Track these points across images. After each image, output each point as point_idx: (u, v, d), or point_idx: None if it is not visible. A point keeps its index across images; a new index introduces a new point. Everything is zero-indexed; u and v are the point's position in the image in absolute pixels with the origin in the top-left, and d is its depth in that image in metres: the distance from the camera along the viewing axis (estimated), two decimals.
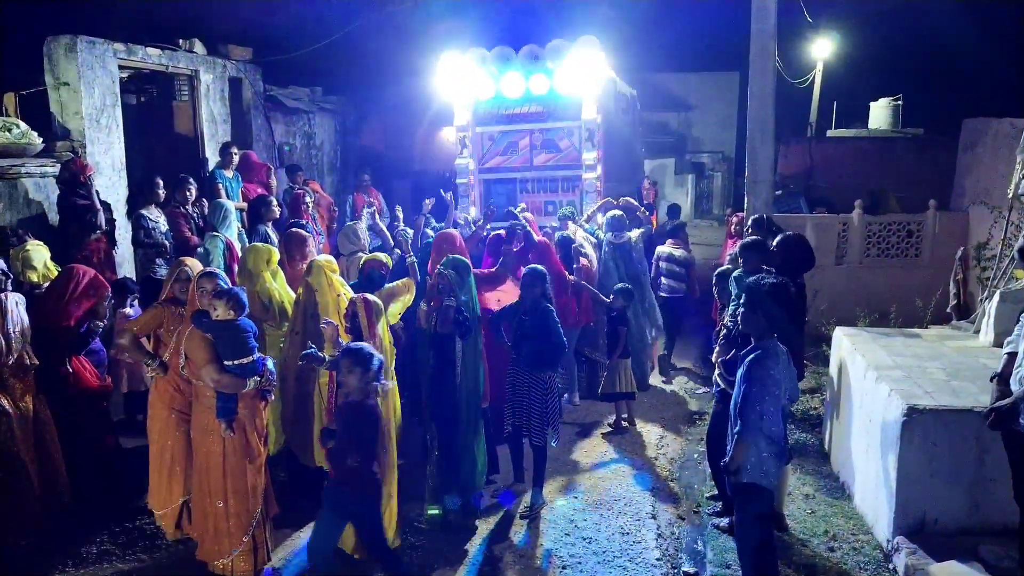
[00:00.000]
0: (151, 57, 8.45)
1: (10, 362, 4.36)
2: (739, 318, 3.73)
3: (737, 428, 3.53)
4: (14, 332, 4.37)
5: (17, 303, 4.50)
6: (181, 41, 9.06)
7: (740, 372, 3.65)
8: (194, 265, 4.78)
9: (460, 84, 8.90)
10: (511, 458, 5.32)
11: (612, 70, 9.38)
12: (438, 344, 4.82)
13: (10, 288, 4.53)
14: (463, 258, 5.09)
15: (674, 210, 10.22)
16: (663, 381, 7.91)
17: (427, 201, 7.46)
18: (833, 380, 5.85)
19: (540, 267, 5.16)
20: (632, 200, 7.77)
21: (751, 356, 3.58)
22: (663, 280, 7.88)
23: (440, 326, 4.74)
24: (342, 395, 3.82)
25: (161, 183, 7.07)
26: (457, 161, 9.27)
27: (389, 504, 4.42)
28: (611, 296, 6.49)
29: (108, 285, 5.15)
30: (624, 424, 6.48)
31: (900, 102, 17.11)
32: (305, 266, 5.12)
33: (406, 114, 12.87)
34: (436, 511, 4.84)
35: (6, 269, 4.52)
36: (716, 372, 4.60)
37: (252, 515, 4.15)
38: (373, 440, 3.75)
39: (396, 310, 5.16)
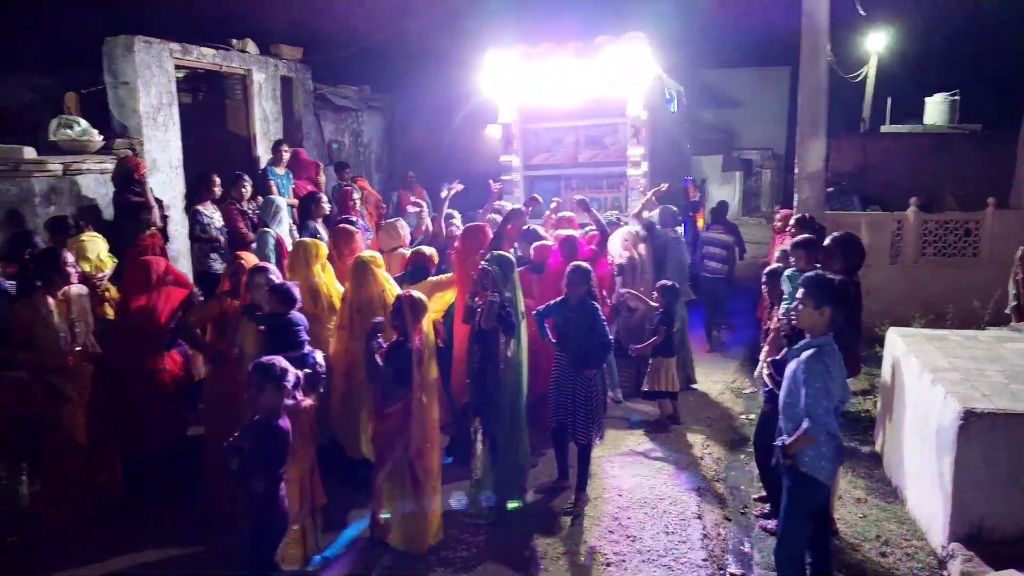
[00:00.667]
0: (206, 57, 8.67)
1: (75, 349, 4.54)
2: (796, 315, 3.66)
3: (806, 425, 3.47)
4: (77, 322, 4.54)
5: (80, 294, 4.67)
6: (235, 41, 9.27)
7: (791, 368, 3.59)
8: (250, 259, 4.90)
9: (506, 81, 8.92)
10: (555, 455, 5.33)
11: (659, 66, 9.29)
12: (482, 339, 4.84)
13: (75, 280, 4.71)
14: (507, 254, 5.11)
15: (722, 206, 10.15)
16: (708, 348, 8.51)
17: (456, 186, 7.35)
18: (886, 382, 5.71)
19: (585, 264, 5.15)
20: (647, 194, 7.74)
21: (809, 352, 3.52)
22: (707, 262, 8.71)
23: (484, 321, 4.75)
24: (253, 412, 3.56)
25: (218, 180, 7.25)
26: (502, 158, 9.28)
27: (433, 499, 4.47)
28: (654, 294, 6.45)
29: (191, 283, 5.31)
30: (668, 422, 6.43)
31: (957, 97, 16.60)
32: (355, 261, 5.20)
33: (452, 112, 12.97)
34: (480, 506, 4.87)
35: (73, 262, 4.70)
36: (765, 372, 4.53)
37: (302, 504, 4.23)
38: (280, 462, 3.52)
39: (438, 306, 5.19)
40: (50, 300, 4.53)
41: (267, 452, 3.44)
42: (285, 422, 3.50)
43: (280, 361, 3.52)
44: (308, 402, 3.67)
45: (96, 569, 4.30)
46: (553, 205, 7.43)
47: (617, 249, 6.91)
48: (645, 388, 6.43)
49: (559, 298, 5.11)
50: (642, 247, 7.11)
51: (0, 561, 4.40)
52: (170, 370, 5.04)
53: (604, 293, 6.35)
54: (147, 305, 4.88)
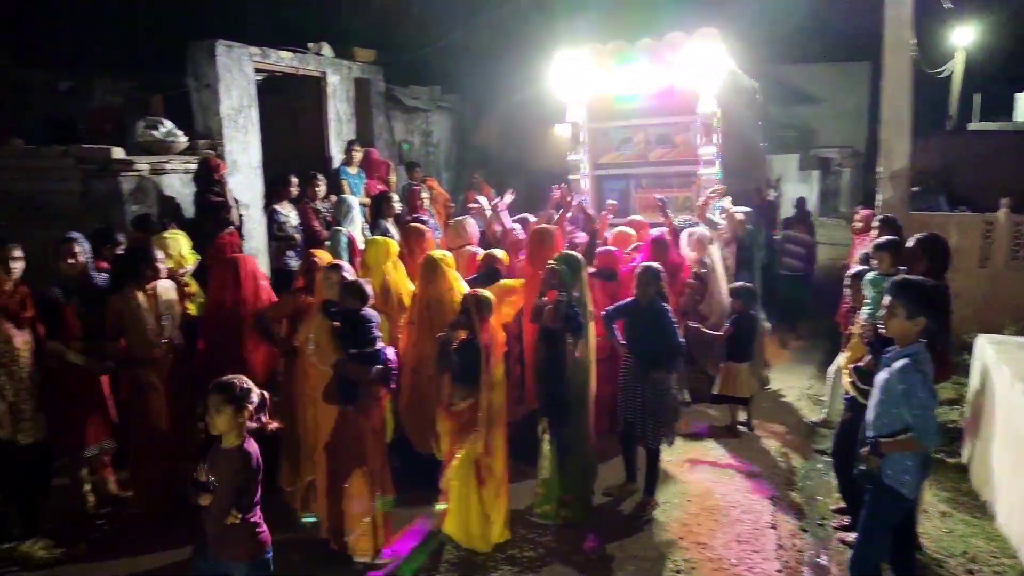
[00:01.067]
0: (283, 60, 8.90)
1: (162, 342, 4.73)
2: (885, 321, 3.49)
3: (913, 434, 3.32)
4: (164, 315, 4.73)
5: (168, 288, 4.87)
6: (311, 44, 9.49)
7: (883, 379, 3.43)
8: (323, 257, 5.01)
9: (574, 80, 8.86)
10: (623, 458, 5.25)
11: (733, 62, 9.07)
12: (549, 339, 4.82)
13: (163, 275, 4.92)
14: (576, 253, 5.08)
15: (801, 203, 9.99)
16: (781, 344, 8.36)
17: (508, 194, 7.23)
18: (975, 391, 5.43)
19: (656, 264, 5.07)
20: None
21: (903, 363, 3.35)
22: (787, 260, 8.86)
23: (551, 321, 4.73)
24: (215, 437, 3.22)
25: (295, 180, 7.45)
26: (570, 157, 9.23)
27: (499, 498, 4.47)
28: (730, 298, 6.30)
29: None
30: (741, 428, 6.26)
31: None
32: (425, 260, 5.26)
33: (520, 111, 12.96)
34: (547, 506, 4.84)
35: (161, 258, 4.92)
36: (847, 379, 4.36)
37: (372, 497, 4.29)
38: (253, 489, 3.19)
39: (506, 311, 5.18)
40: (139, 294, 4.74)
41: (239, 481, 3.12)
42: (252, 445, 3.19)
43: (242, 381, 3.21)
44: (275, 425, 3.32)
45: (178, 554, 4.44)
46: (609, 205, 7.29)
47: (685, 252, 6.77)
48: (716, 392, 6.28)
49: (629, 299, 5.05)
50: (713, 250, 6.92)
51: (89, 545, 4.61)
52: (263, 364, 5.19)
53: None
54: (240, 300, 5.02)
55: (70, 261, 4.93)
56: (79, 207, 6.72)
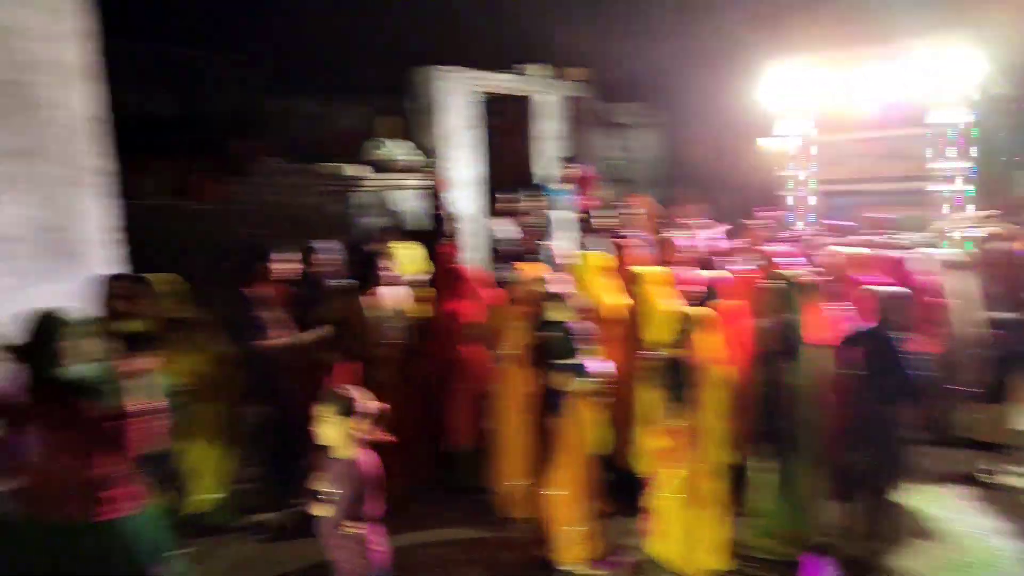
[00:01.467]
0: (499, 82, 9.32)
1: (385, 342, 5.13)
2: None
3: None
4: (390, 318, 5.13)
5: (393, 293, 5.27)
6: (525, 66, 9.85)
7: None
8: (529, 270, 5.16)
9: (795, 92, 8.46)
10: (848, 498, 4.79)
11: (983, 66, 8.13)
12: (766, 364, 4.59)
13: (392, 282, 5.32)
14: (799, 273, 4.80)
15: None
16: None
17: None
18: None
19: (904, 290, 4.65)
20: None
21: None
22: None
23: (770, 343, 4.52)
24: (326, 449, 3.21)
25: (508, 197, 7.78)
26: (782, 173, 8.80)
27: (712, 523, 4.29)
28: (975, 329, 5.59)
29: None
30: (987, 478, 5.50)
31: None
32: (632, 275, 5.25)
33: (729, 126, 12.55)
34: (765, 540, 4.59)
35: (388, 266, 5.34)
36: None
37: (585, 507, 4.31)
38: (364, 501, 3.13)
39: (725, 328, 5.00)
40: (368, 298, 5.18)
41: (351, 492, 3.10)
42: (364, 457, 3.14)
43: (350, 391, 3.20)
44: (388, 437, 3.29)
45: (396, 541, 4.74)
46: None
47: (922, 277, 6.09)
48: (962, 435, 5.57)
49: (868, 326, 4.66)
50: (952, 276, 6.15)
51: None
52: (480, 369, 5.44)
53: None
54: (458, 309, 5.33)
55: (311, 267, 5.48)
56: (322, 219, 7.46)
